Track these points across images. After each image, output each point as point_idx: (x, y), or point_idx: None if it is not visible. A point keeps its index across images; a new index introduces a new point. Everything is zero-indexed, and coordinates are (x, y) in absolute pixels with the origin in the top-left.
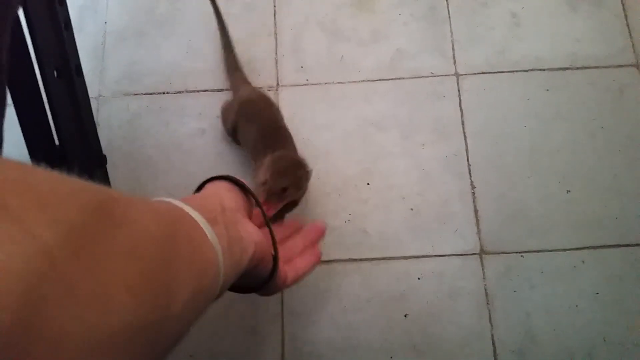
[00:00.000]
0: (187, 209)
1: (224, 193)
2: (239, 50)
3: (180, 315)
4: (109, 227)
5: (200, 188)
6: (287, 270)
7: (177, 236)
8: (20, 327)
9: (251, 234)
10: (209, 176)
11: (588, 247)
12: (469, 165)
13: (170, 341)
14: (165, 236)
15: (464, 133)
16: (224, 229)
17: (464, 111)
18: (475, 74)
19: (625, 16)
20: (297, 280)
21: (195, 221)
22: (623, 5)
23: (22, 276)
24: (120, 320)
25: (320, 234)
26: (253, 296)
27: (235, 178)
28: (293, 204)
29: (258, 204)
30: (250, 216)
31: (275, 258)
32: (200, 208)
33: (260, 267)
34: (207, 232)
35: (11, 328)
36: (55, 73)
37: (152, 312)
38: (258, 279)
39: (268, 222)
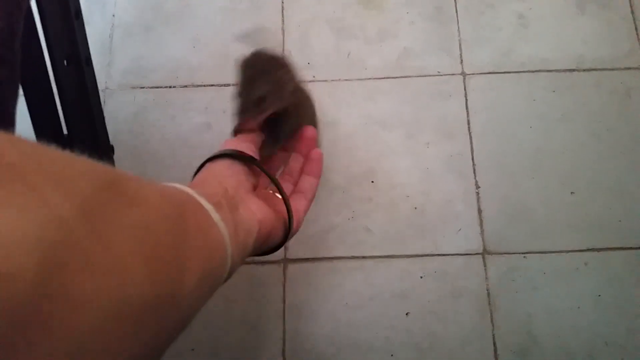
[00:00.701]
0: (193, 193)
1: (225, 172)
2: (246, 45)
3: (190, 295)
4: (122, 203)
5: (199, 170)
6: (296, 202)
7: (186, 217)
8: (42, 288)
9: (254, 213)
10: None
11: (591, 249)
12: (473, 165)
13: (179, 322)
14: (175, 216)
15: (469, 133)
16: (228, 212)
17: (469, 111)
18: (481, 74)
19: (634, 18)
20: (309, 206)
21: (201, 205)
22: (631, 7)
23: (40, 242)
24: (135, 292)
25: (313, 139)
26: (254, 292)
27: (234, 152)
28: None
29: (266, 173)
30: (255, 187)
31: (290, 221)
32: (204, 193)
33: (270, 240)
34: (213, 217)
35: (32, 288)
36: (65, 62)
37: (165, 288)
38: (272, 244)
39: (280, 188)
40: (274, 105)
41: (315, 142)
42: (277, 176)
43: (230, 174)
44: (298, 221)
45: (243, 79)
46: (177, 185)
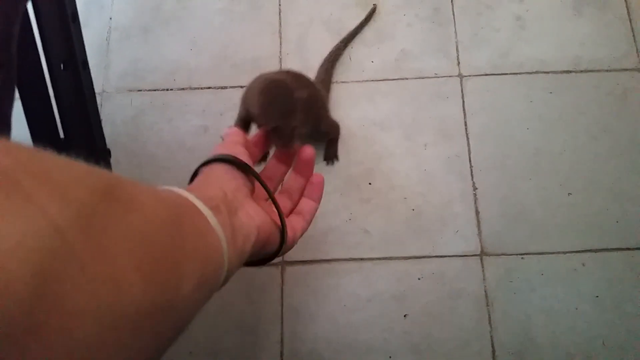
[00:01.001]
0: (191, 197)
1: (223, 176)
2: (243, 48)
3: (187, 301)
4: (117, 209)
5: (195, 174)
6: (294, 222)
7: (183, 222)
8: (36, 298)
9: (253, 218)
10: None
11: (589, 250)
12: (471, 166)
13: (176, 327)
14: (172, 221)
15: (467, 134)
16: (227, 217)
17: (467, 112)
18: (479, 75)
19: (630, 20)
20: (306, 228)
21: (198, 209)
22: (628, 9)
23: (34, 251)
24: (131, 300)
25: (311, 160)
26: (252, 295)
27: (232, 157)
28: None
29: (259, 180)
30: (252, 192)
31: (283, 231)
32: (202, 197)
33: (267, 247)
34: (210, 221)
35: (27, 299)
36: (62, 66)
37: (161, 295)
38: (267, 254)
39: (273, 198)
40: (301, 129)
41: (313, 164)
42: (276, 193)
43: (229, 178)
44: (293, 239)
45: (274, 111)
46: (175, 189)
